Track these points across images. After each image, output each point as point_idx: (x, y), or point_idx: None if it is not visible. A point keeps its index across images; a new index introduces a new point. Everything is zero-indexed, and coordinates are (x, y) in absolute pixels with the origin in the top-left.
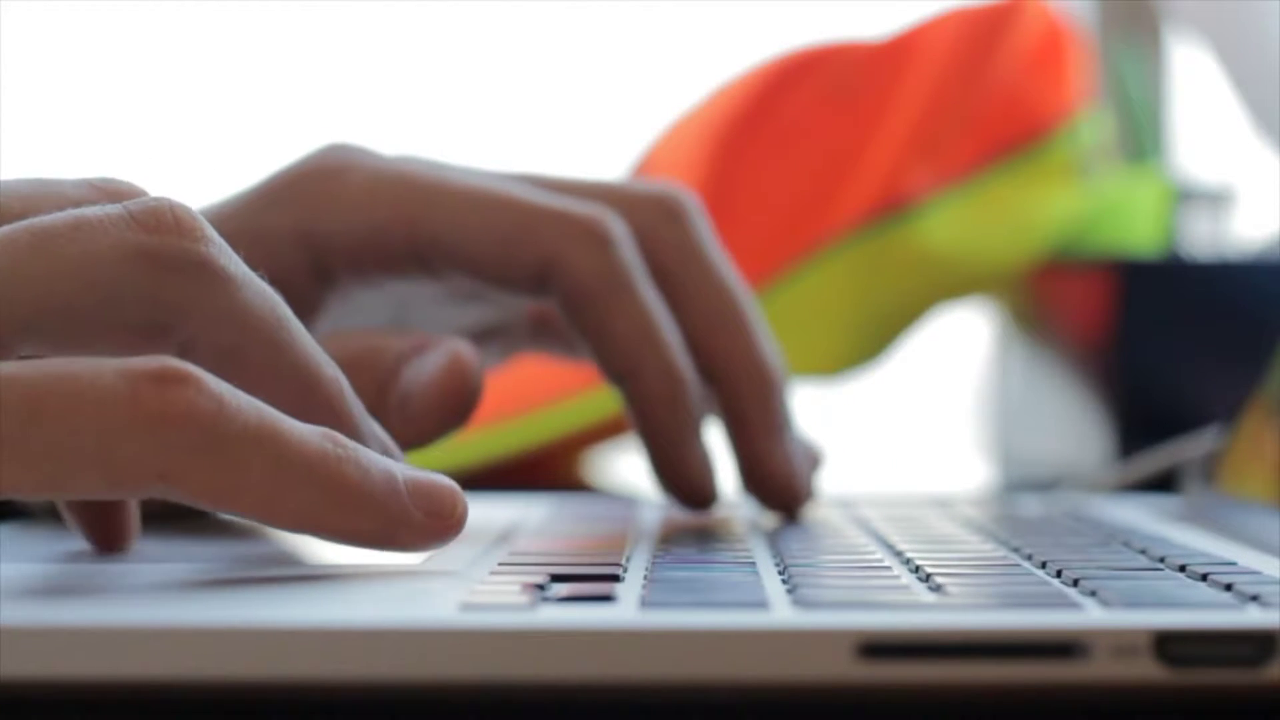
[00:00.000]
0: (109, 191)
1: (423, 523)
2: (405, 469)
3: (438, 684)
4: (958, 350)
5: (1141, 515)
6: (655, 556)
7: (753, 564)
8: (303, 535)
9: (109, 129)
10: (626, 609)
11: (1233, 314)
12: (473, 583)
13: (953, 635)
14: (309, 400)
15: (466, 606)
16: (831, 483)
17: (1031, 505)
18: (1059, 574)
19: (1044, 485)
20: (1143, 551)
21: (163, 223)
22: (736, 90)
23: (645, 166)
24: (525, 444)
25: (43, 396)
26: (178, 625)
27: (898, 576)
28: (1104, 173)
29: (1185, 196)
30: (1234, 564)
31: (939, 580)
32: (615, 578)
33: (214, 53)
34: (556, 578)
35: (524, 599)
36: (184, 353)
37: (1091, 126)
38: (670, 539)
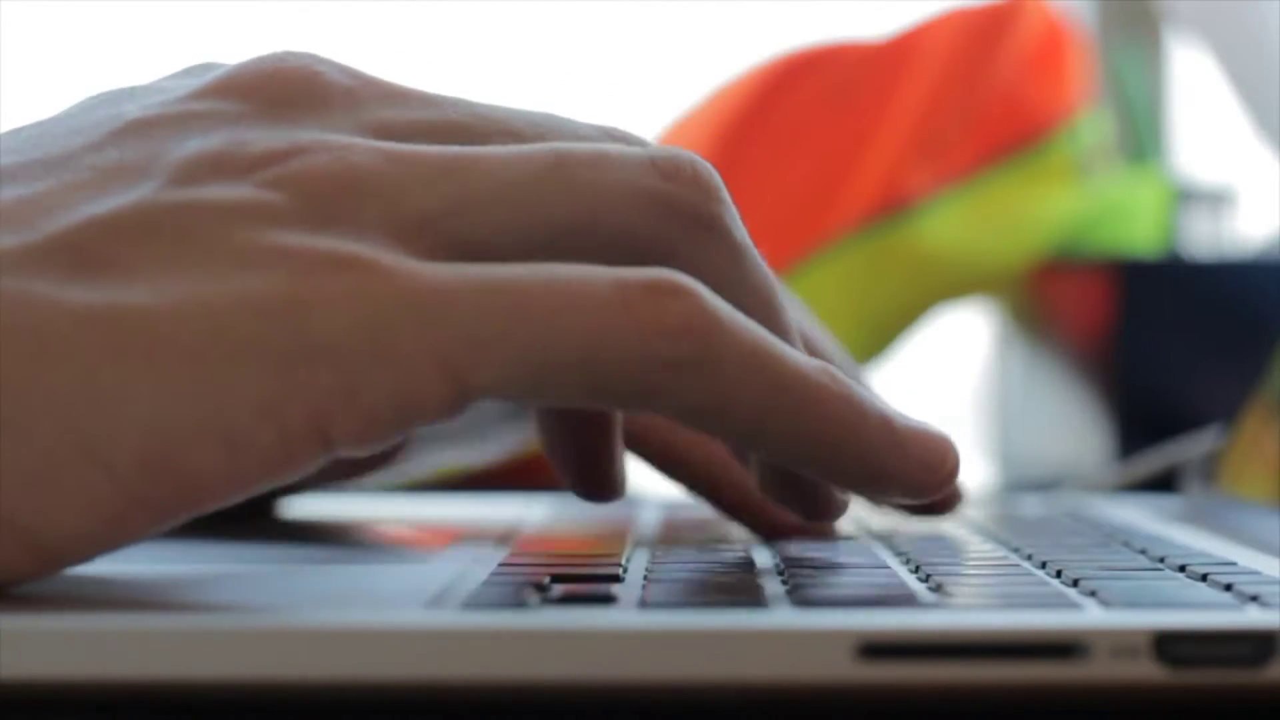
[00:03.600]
0: (621, 138)
1: (912, 473)
2: (902, 415)
3: (438, 684)
4: (958, 350)
5: (1141, 515)
6: (655, 556)
7: (753, 564)
8: (786, 465)
9: None
10: (626, 609)
11: (1233, 314)
12: (473, 583)
13: (953, 635)
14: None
15: (467, 606)
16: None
17: (1031, 505)
18: (1059, 574)
19: (1044, 485)
20: (1143, 551)
21: (682, 173)
22: (737, 90)
23: None
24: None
25: (532, 296)
26: (176, 626)
27: (898, 576)
28: (1104, 173)
29: (1185, 196)
30: (1234, 564)
31: (939, 580)
32: (615, 578)
33: (214, 52)
34: (556, 578)
35: (524, 599)
36: None
37: (1091, 126)
38: (670, 539)
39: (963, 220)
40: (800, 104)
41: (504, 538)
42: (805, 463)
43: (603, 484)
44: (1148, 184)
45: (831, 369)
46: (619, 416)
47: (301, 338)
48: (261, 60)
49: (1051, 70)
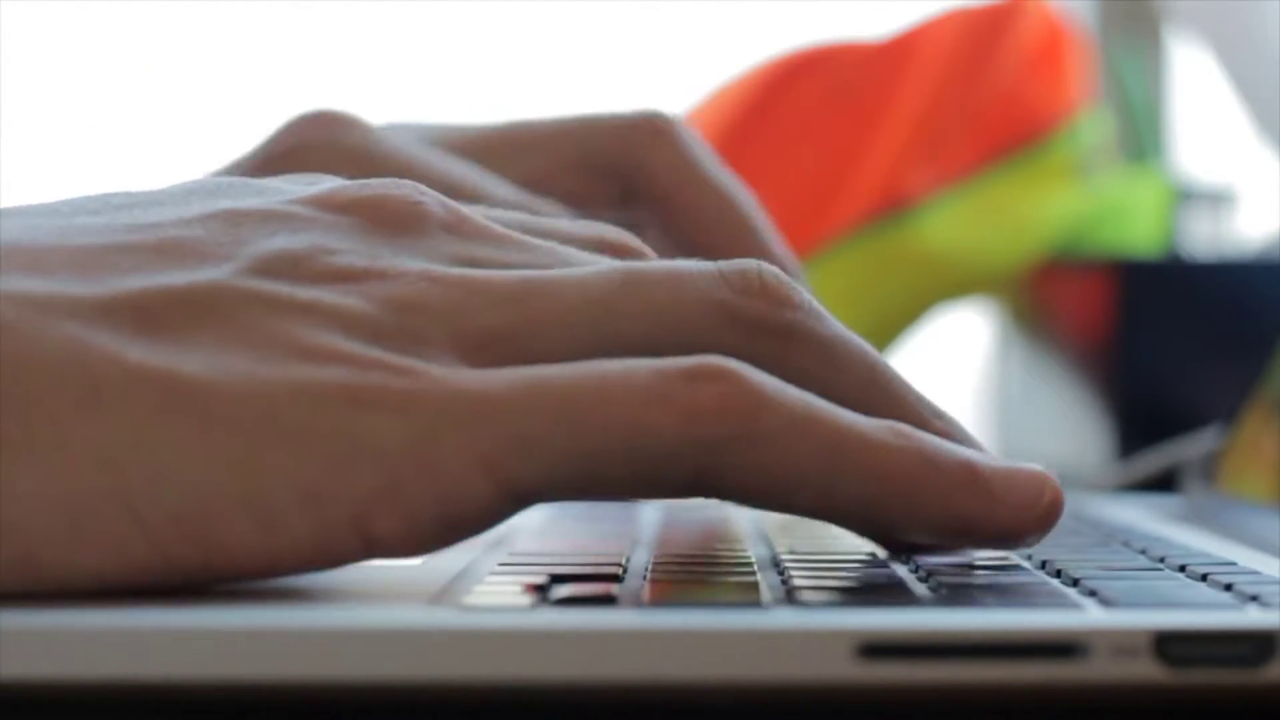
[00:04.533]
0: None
1: (1004, 515)
2: (986, 458)
3: (438, 684)
4: (958, 350)
5: (1141, 515)
6: (655, 556)
7: (752, 564)
8: (873, 534)
9: (109, 128)
10: (626, 609)
11: (1233, 314)
12: (473, 583)
13: (953, 635)
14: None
15: (467, 607)
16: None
17: None
18: (1059, 574)
19: None
20: (1143, 551)
21: (750, 286)
22: (737, 90)
23: None
24: None
25: (573, 394)
26: (176, 626)
27: (898, 576)
28: (1104, 173)
29: (1185, 196)
30: (1234, 564)
31: (939, 580)
32: (615, 578)
33: (213, 52)
34: (557, 578)
35: (524, 600)
36: None
37: (1091, 126)
38: (670, 539)
39: (963, 220)
40: (800, 104)
41: (504, 538)
42: (887, 525)
43: None
44: (1148, 184)
45: (899, 426)
46: None
47: (349, 432)
48: (370, 183)
49: (1051, 70)
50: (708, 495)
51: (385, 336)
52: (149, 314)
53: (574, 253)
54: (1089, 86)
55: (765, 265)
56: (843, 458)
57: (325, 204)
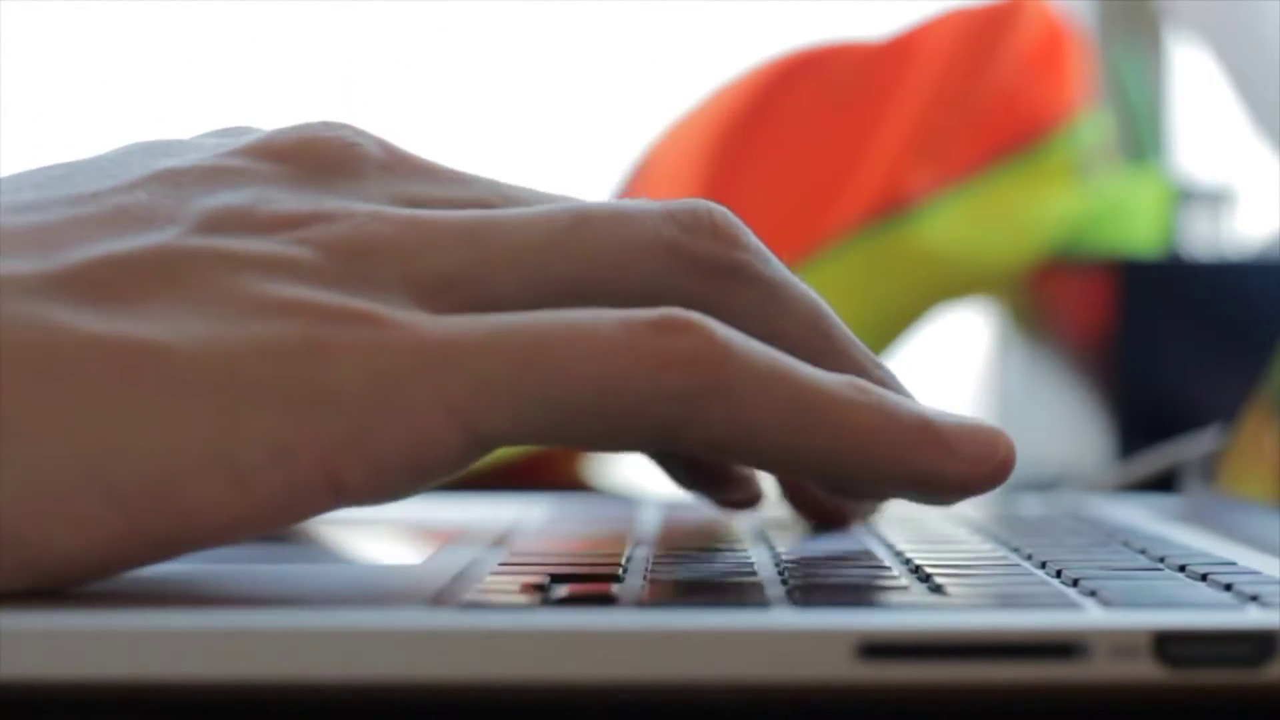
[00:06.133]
0: (642, 202)
1: (961, 470)
2: (940, 413)
3: (438, 684)
4: (958, 350)
5: (1141, 515)
6: (655, 556)
7: (752, 564)
8: (832, 485)
9: (110, 127)
10: (626, 609)
11: (1233, 314)
12: (473, 583)
13: (953, 635)
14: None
15: (467, 607)
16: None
17: (1031, 505)
18: (1059, 574)
19: (1044, 485)
20: (1143, 551)
21: (701, 225)
22: (737, 90)
23: (645, 167)
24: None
25: (541, 341)
26: (176, 626)
27: (898, 576)
28: (1104, 173)
29: (1185, 196)
30: (1234, 564)
31: (939, 580)
32: (615, 578)
33: (213, 51)
34: (556, 578)
35: (524, 599)
36: None
37: (1091, 126)
38: (670, 539)
39: (963, 220)
40: (800, 104)
41: (504, 538)
42: (846, 478)
43: (737, 500)
44: (1148, 184)
45: (859, 381)
46: None
47: (313, 383)
48: (301, 127)
49: (1051, 70)
50: (672, 448)
51: (339, 282)
52: (101, 284)
53: (518, 188)
54: (1089, 86)
55: (714, 205)
56: (806, 412)
57: (262, 153)
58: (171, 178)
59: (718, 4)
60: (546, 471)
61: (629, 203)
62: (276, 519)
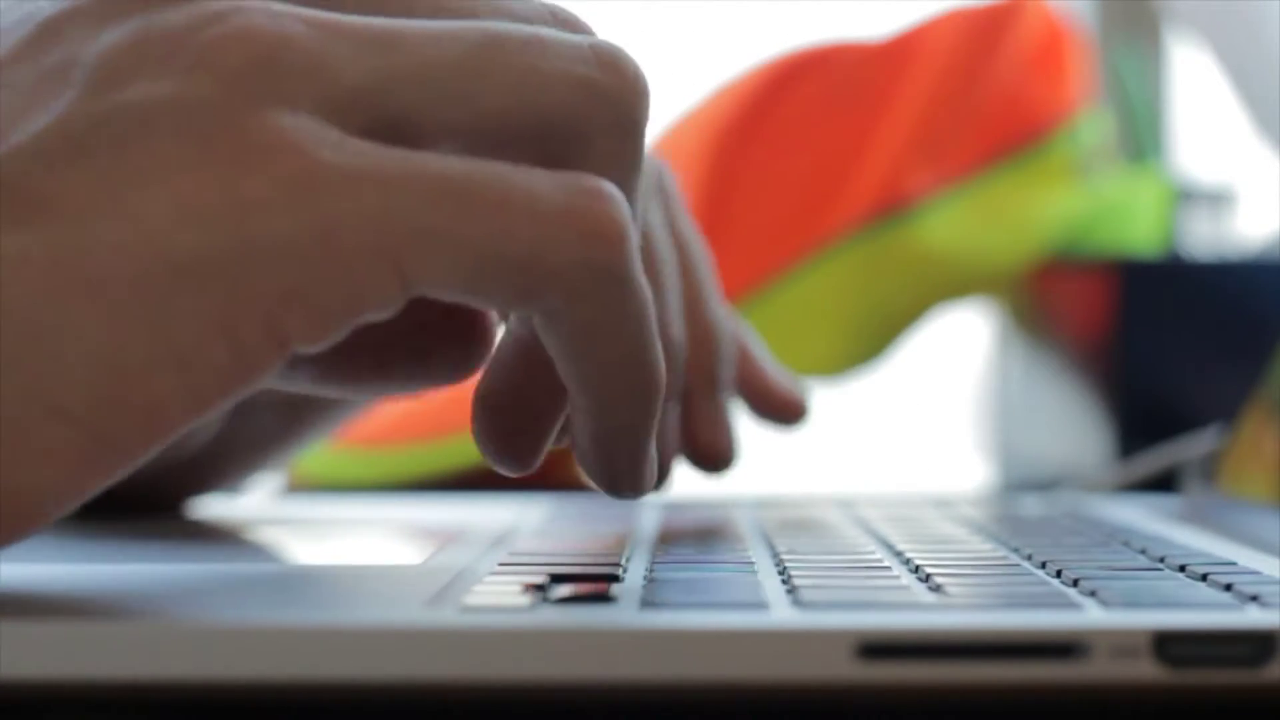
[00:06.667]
0: (566, 23)
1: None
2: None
3: (438, 684)
4: (958, 350)
5: (1141, 515)
6: (655, 556)
7: (752, 564)
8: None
9: None
10: (626, 609)
11: (1233, 314)
12: (473, 583)
13: (953, 635)
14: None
15: (466, 607)
16: (832, 482)
17: (1031, 505)
18: (1059, 574)
19: (1044, 485)
20: (1143, 551)
21: (621, 69)
22: (736, 90)
23: None
24: None
25: (481, 194)
26: (176, 626)
27: (898, 576)
28: (1104, 173)
29: (1185, 196)
30: (1234, 564)
31: (939, 580)
32: (615, 578)
33: None
34: (556, 578)
35: (524, 599)
36: None
37: (1091, 126)
38: (670, 539)
39: (963, 220)
40: (800, 104)
41: (503, 538)
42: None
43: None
44: (1148, 184)
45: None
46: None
47: (246, 242)
48: None
49: (1051, 70)
50: (556, 320)
51: (248, 103)
52: (10, 189)
53: None
54: (1089, 86)
55: (633, 53)
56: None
57: None
58: (54, 28)
59: (718, 4)
60: (546, 471)
61: (548, 31)
62: (230, 393)
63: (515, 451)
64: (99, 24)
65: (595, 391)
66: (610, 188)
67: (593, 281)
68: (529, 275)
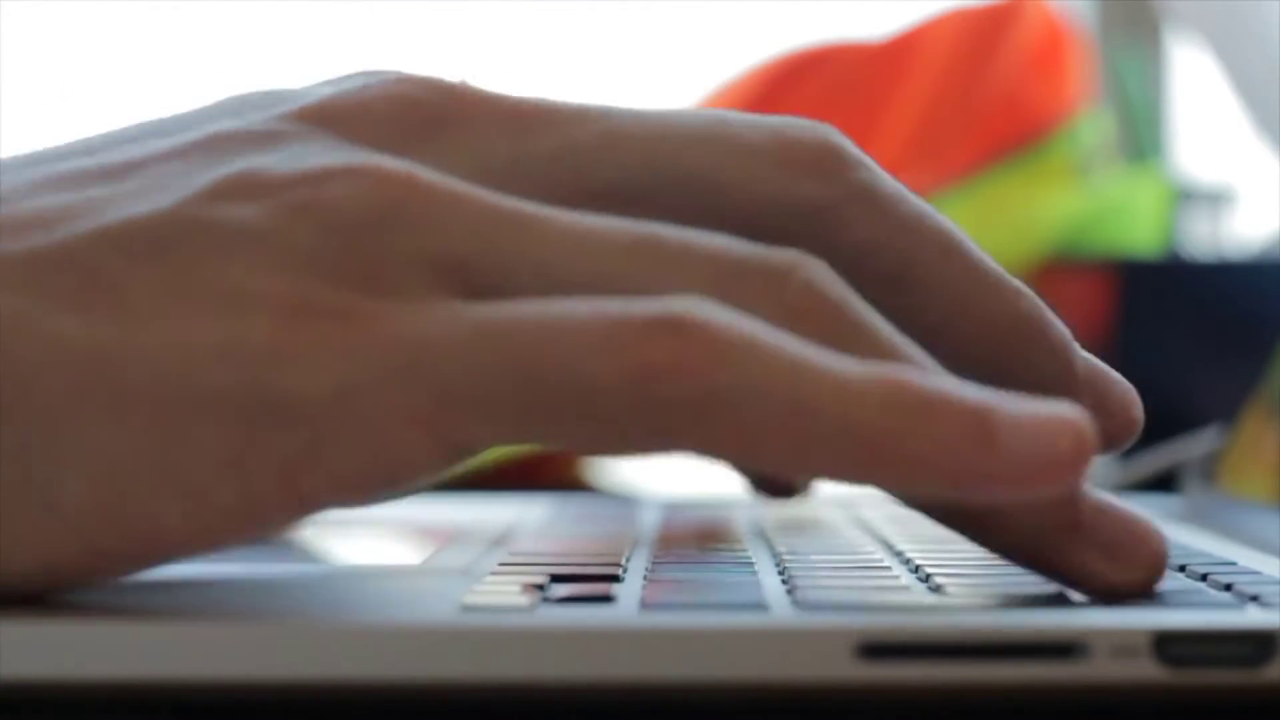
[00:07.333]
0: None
1: (1013, 473)
2: (1013, 402)
3: (438, 684)
4: None
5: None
6: (655, 557)
7: (752, 564)
8: (862, 485)
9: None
10: (626, 609)
11: (1233, 314)
12: (473, 583)
13: (953, 635)
14: None
15: (466, 607)
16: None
17: None
18: None
19: None
20: None
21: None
22: (737, 90)
23: None
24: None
25: (518, 344)
26: (176, 627)
27: (898, 576)
28: (1104, 173)
29: (1185, 196)
30: (1234, 564)
31: (939, 580)
32: (615, 578)
33: (213, 51)
34: (556, 578)
35: (524, 599)
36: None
37: (1091, 126)
38: (670, 539)
39: (962, 220)
40: (800, 104)
41: (504, 538)
42: (875, 483)
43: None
44: (1148, 184)
45: (893, 375)
46: None
47: (270, 392)
48: (367, 84)
49: (1051, 70)
50: (672, 453)
51: (334, 261)
52: (85, 269)
53: (637, 130)
54: (1089, 86)
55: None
56: (811, 419)
57: (312, 116)
58: (218, 143)
59: (718, 4)
60: (546, 471)
61: (721, 240)
62: (236, 531)
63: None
64: (257, 149)
65: (812, 476)
66: (680, 310)
67: (671, 415)
68: (585, 422)
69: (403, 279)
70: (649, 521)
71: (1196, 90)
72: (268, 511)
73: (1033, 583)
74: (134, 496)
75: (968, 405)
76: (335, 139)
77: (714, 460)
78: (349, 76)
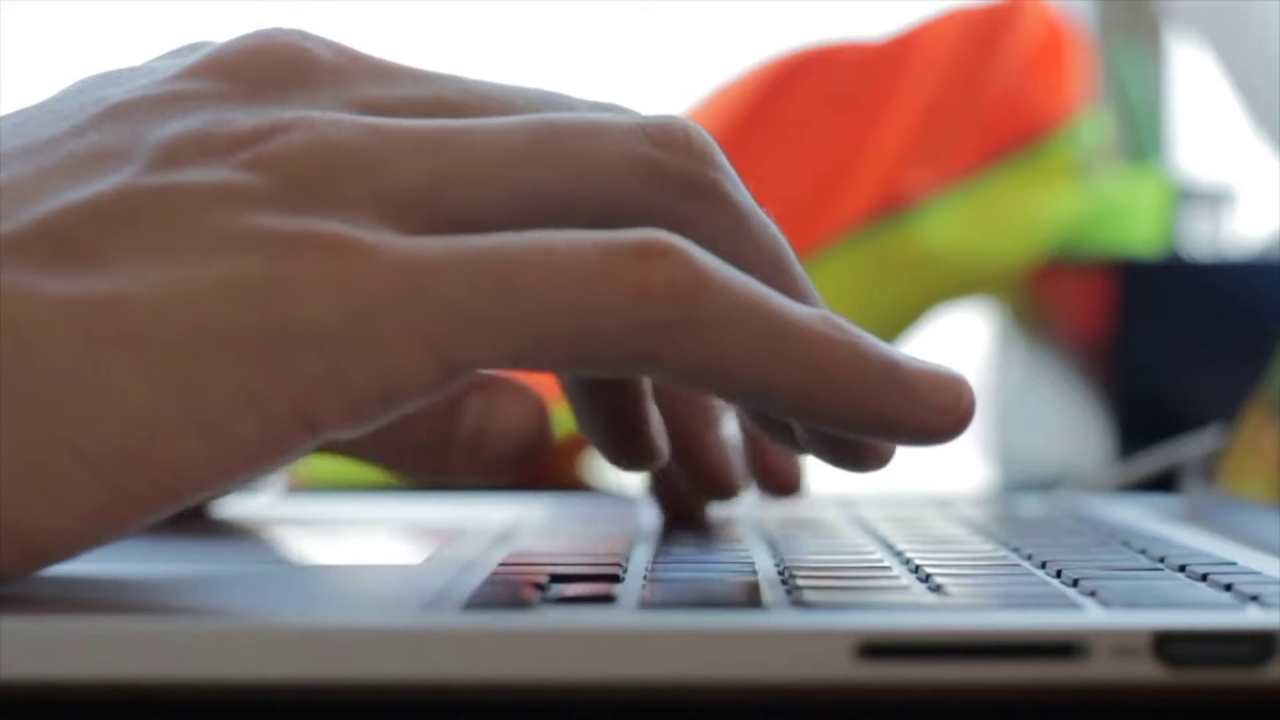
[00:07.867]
0: (613, 110)
1: (923, 416)
2: (909, 358)
3: (438, 684)
4: (958, 350)
5: (1141, 515)
6: (655, 556)
7: (752, 564)
8: (798, 420)
9: None
10: (626, 609)
11: (1233, 314)
12: (472, 583)
13: (953, 635)
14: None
15: (466, 607)
16: (832, 483)
17: (1031, 505)
18: (1059, 574)
19: (1044, 485)
20: (1143, 551)
21: (675, 140)
22: (736, 90)
23: None
24: None
25: (517, 268)
26: (175, 627)
27: (898, 576)
28: (1104, 173)
29: (1185, 196)
30: (1234, 564)
31: (939, 580)
32: (615, 578)
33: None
34: (556, 578)
35: (524, 599)
36: None
37: (1091, 126)
38: (670, 539)
39: (963, 220)
40: (800, 104)
41: (503, 538)
42: (814, 415)
43: (640, 452)
44: (1148, 184)
45: (834, 318)
46: (646, 381)
47: (282, 322)
48: (247, 38)
49: (1051, 70)
50: (647, 375)
51: (303, 204)
52: (59, 239)
53: (484, 85)
54: (1089, 86)
55: (689, 121)
56: (783, 345)
57: (209, 70)
58: (122, 112)
59: (718, 4)
60: (546, 471)
61: (602, 115)
62: (256, 465)
63: (642, 463)
64: (166, 113)
65: (759, 402)
66: (662, 237)
67: (661, 334)
68: (579, 343)
69: (373, 217)
70: (649, 521)
71: (1196, 90)
72: (286, 441)
73: (1033, 582)
74: (157, 437)
75: (884, 353)
76: (242, 91)
77: (687, 383)
78: (196, 44)
